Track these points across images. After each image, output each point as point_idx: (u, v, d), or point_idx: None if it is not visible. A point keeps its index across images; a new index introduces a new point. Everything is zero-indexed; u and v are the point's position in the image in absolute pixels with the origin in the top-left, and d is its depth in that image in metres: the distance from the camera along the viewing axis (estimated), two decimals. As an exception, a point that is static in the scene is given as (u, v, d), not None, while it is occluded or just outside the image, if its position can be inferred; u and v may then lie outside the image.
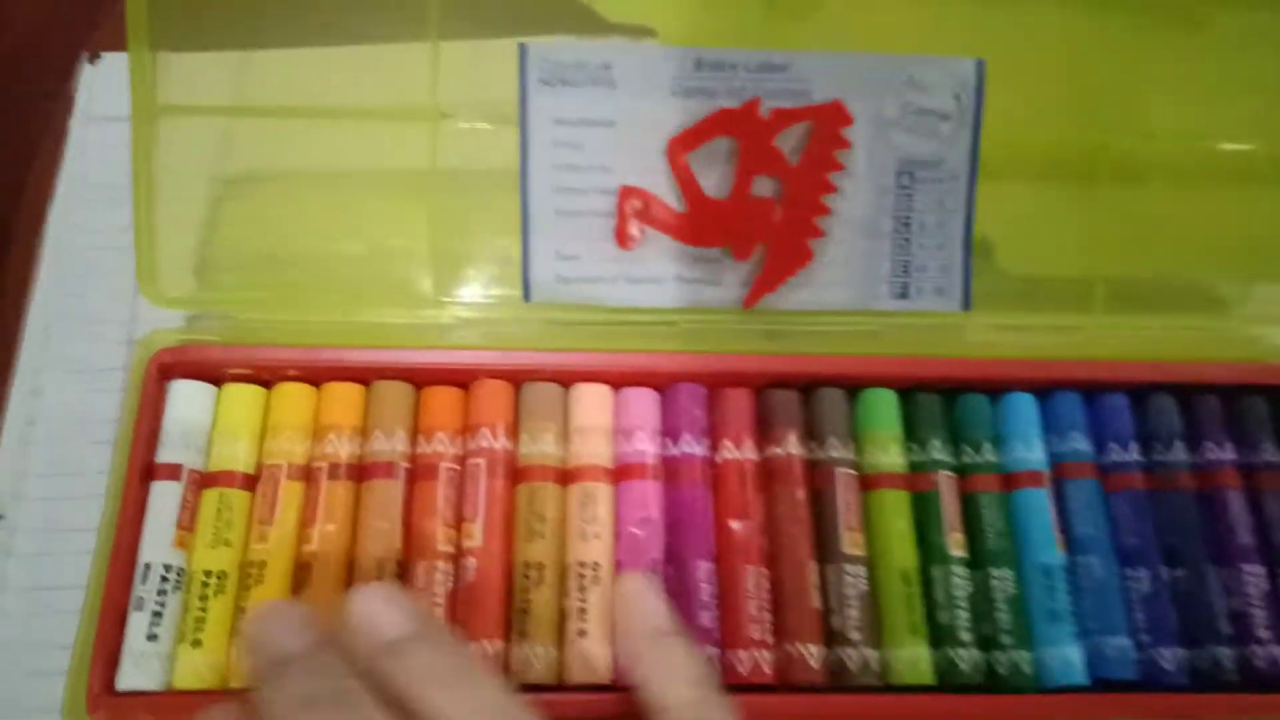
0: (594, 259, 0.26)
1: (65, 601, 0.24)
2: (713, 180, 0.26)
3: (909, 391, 0.26)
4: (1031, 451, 0.26)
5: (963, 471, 0.26)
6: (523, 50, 0.25)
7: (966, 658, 0.24)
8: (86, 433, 0.27)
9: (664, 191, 0.26)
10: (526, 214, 0.26)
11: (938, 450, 0.26)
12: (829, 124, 0.26)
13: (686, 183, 0.26)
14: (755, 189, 0.26)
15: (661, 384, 0.26)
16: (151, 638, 0.22)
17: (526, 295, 0.26)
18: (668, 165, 0.26)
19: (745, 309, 0.27)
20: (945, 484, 0.25)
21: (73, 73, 0.31)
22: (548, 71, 0.25)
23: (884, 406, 0.26)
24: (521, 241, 0.26)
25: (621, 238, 0.26)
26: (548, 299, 0.26)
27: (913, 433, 0.26)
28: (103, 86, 0.31)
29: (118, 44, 0.31)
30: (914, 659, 0.23)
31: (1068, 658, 0.24)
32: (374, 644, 0.17)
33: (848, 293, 0.27)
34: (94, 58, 0.31)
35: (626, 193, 0.26)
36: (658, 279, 0.27)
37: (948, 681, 0.23)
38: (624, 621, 0.21)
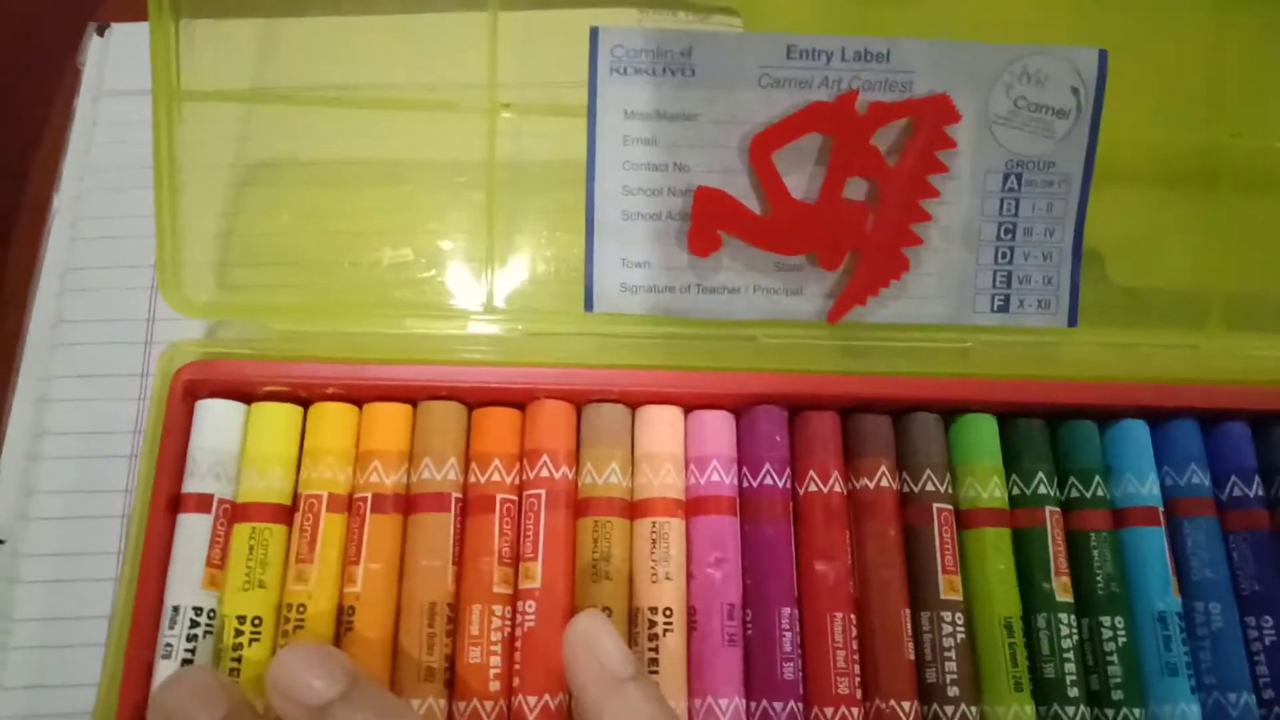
0: (664, 267, 0.24)
1: (83, 634, 0.23)
2: (800, 181, 0.24)
3: (1009, 416, 0.24)
4: (1145, 485, 0.23)
5: (1069, 507, 0.23)
6: (594, 34, 0.22)
7: (1074, 715, 0.22)
8: (101, 446, 0.25)
9: (745, 193, 0.24)
10: (592, 216, 0.23)
11: (1042, 483, 0.23)
12: (932, 120, 0.24)
13: (771, 184, 0.23)
14: (848, 191, 0.24)
15: (738, 406, 0.23)
16: (180, 688, 0.20)
17: (589, 305, 0.24)
18: (749, 164, 0.23)
19: (830, 323, 0.24)
20: (1051, 521, 0.23)
21: (79, 46, 0.28)
22: (621, 58, 0.23)
23: (983, 433, 0.23)
24: (586, 246, 0.23)
25: (696, 244, 0.24)
26: (613, 310, 0.24)
27: (1014, 463, 0.23)
28: (113, 60, 0.28)
29: (128, 14, 0.29)
30: (1017, 717, 0.21)
31: (1185, 715, 0.22)
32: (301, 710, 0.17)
33: (943, 306, 0.24)
34: (103, 29, 0.28)
35: (703, 194, 0.23)
36: (735, 289, 0.24)
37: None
38: (578, 668, 0.18)
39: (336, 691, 0.17)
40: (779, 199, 0.24)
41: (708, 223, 0.23)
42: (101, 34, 0.28)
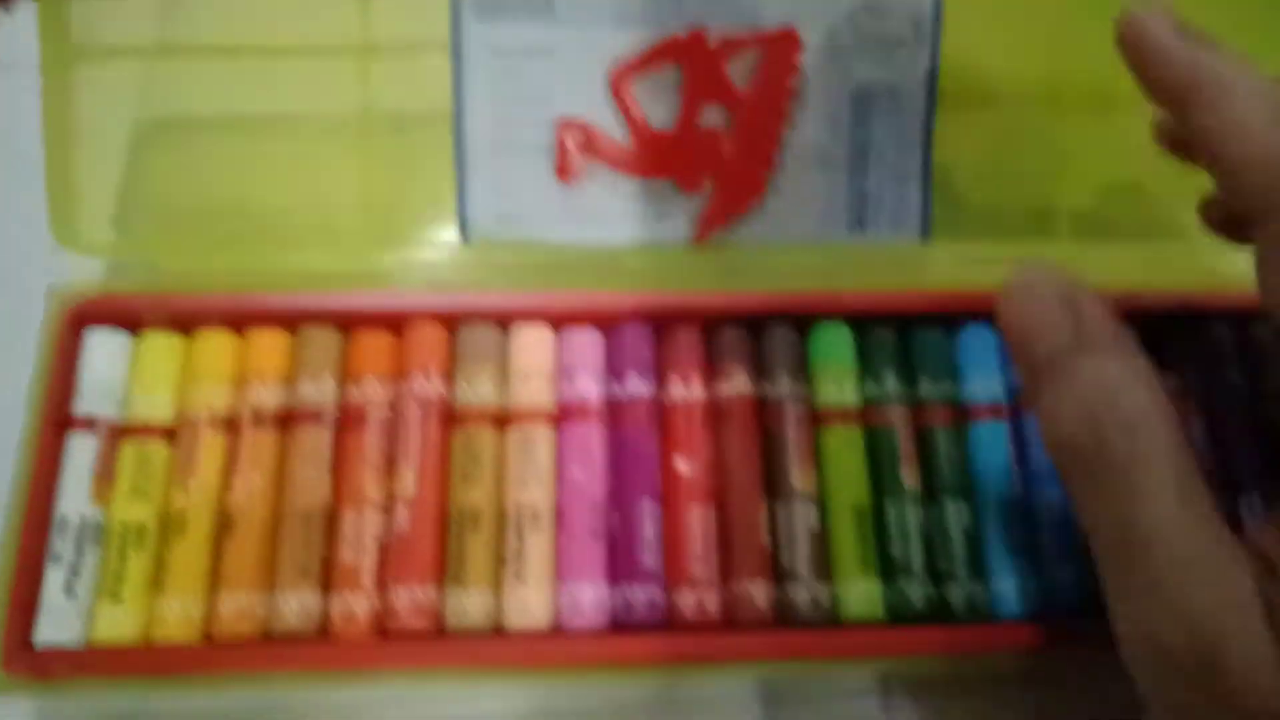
0: (535, 195, 0.25)
1: None
2: (659, 112, 0.25)
3: (864, 325, 0.25)
4: (990, 384, 0.25)
5: (919, 406, 0.25)
6: (451, -26, 0.24)
7: (919, 592, 0.23)
8: (3, 396, 0.26)
9: (609, 125, 0.25)
10: (462, 150, 0.25)
11: (893, 385, 0.25)
12: (780, 52, 0.25)
13: (631, 114, 0.25)
14: (704, 120, 0.25)
15: (607, 323, 0.25)
16: (69, 592, 0.21)
17: (464, 235, 0.25)
18: (611, 97, 0.25)
19: (694, 243, 0.26)
20: (900, 419, 0.24)
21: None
22: (484, 1, 0.24)
23: (837, 341, 0.25)
24: (457, 179, 0.25)
25: (562, 171, 0.25)
26: (487, 238, 0.25)
27: (867, 367, 0.25)
28: (17, 32, 0.29)
29: None
30: (865, 594, 0.23)
31: (1022, 588, 0.23)
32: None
33: (801, 226, 0.26)
34: (7, 3, 0.30)
35: (566, 125, 0.25)
36: (602, 215, 0.25)
37: (899, 615, 0.22)
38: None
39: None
40: (639, 128, 0.25)
41: (572, 151, 0.25)
42: (5, 7, 0.30)
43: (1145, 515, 0.17)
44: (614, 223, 0.26)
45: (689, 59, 0.25)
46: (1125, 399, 0.17)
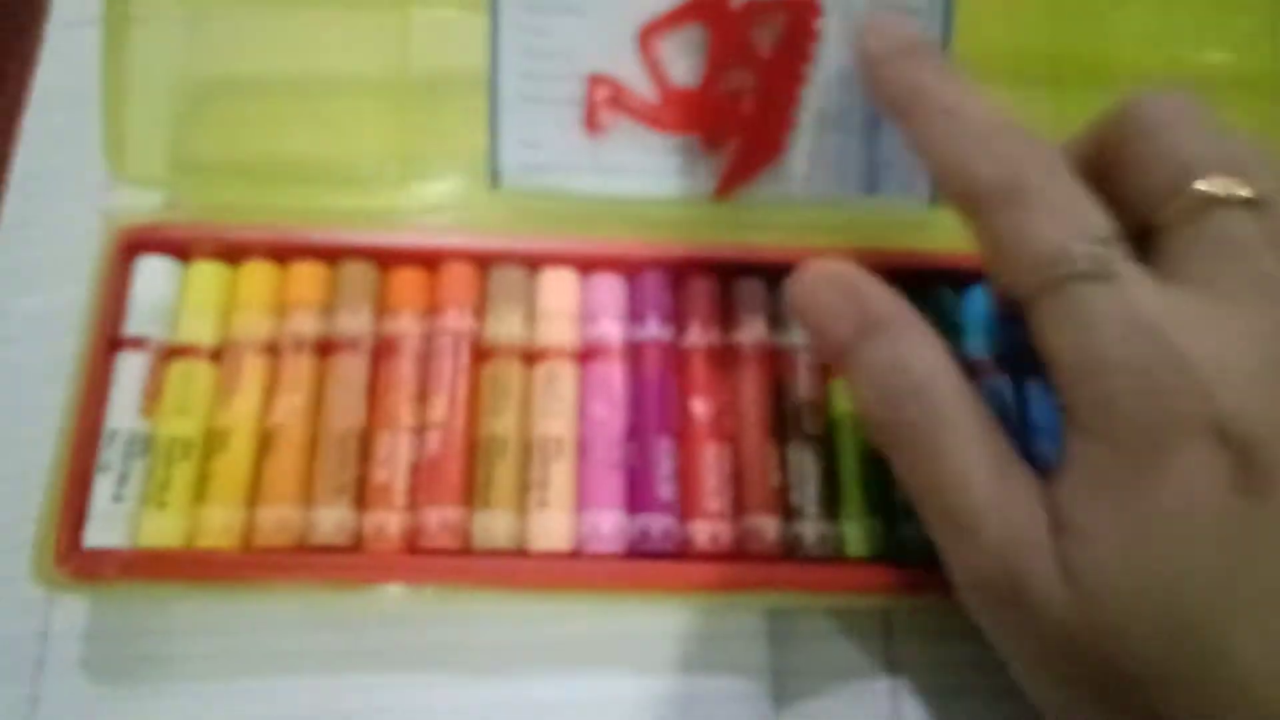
0: (563, 147, 0.26)
1: (39, 481, 0.25)
2: (685, 70, 0.26)
3: (874, 282, 0.27)
4: (992, 342, 0.26)
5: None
6: (492, -69, 0.25)
7: (919, 534, 0.24)
8: (62, 325, 0.26)
9: (635, 80, 0.26)
10: (495, 101, 0.26)
11: (900, 339, 0.26)
12: (801, 17, 0.26)
13: (657, 71, 0.26)
14: (728, 81, 0.26)
15: (629, 271, 0.26)
16: (117, 499, 0.23)
17: (494, 182, 0.26)
18: (639, 54, 0.26)
19: (714, 198, 0.27)
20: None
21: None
22: (519, -47, 0.25)
23: (848, 296, 0.26)
24: (489, 129, 0.26)
25: (590, 124, 0.26)
26: (516, 186, 0.26)
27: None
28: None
29: None
30: (869, 533, 0.24)
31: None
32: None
33: (817, 185, 0.27)
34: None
35: (596, 80, 0.26)
36: (627, 168, 0.27)
37: (900, 555, 0.24)
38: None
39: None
40: (665, 85, 0.26)
41: (600, 105, 0.26)
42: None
43: (948, 471, 0.19)
44: (638, 175, 0.27)
45: (715, 20, 0.26)
46: (912, 369, 0.19)
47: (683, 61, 0.26)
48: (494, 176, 0.26)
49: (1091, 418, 0.18)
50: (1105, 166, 0.20)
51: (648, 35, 0.26)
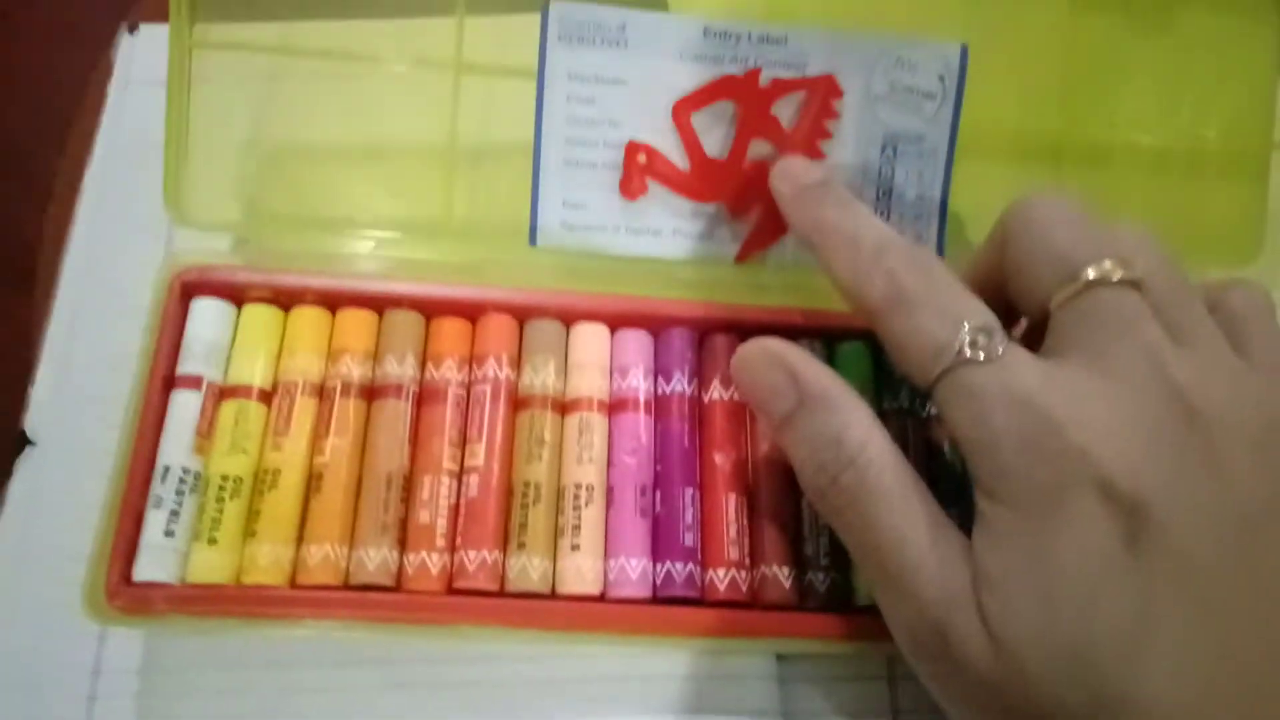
0: (599, 209, 0.28)
1: (95, 516, 0.25)
2: (714, 141, 0.28)
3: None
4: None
5: (929, 419, 0.28)
6: (545, 8, 0.27)
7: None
8: (118, 364, 0.27)
9: (669, 149, 0.28)
10: (538, 163, 0.28)
11: (906, 399, 0.28)
12: (822, 95, 0.28)
13: (690, 142, 0.28)
14: (753, 152, 0.28)
15: (656, 327, 0.28)
16: (168, 534, 0.24)
17: (533, 239, 0.28)
18: (673, 125, 0.28)
19: (737, 262, 0.29)
20: (911, 429, 0.27)
21: (113, 41, 0.32)
22: (567, 29, 0.27)
23: (858, 357, 0.28)
24: (532, 189, 0.28)
25: (626, 189, 0.28)
26: (553, 244, 0.28)
27: (885, 382, 0.28)
28: (140, 55, 0.32)
29: (155, 15, 0.33)
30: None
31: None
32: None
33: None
34: (133, 28, 0.33)
35: (633, 147, 0.28)
36: (657, 231, 0.28)
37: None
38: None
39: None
40: (696, 155, 0.28)
41: (636, 172, 0.28)
42: (132, 32, 0.33)
43: (880, 533, 0.21)
44: (667, 238, 0.28)
45: (743, 96, 0.28)
46: (845, 442, 0.21)
47: (713, 134, 0.28)
48: (533, 234, 0.28)
49: (992, 483, 0.20)
50: (1004, 266, 0.23)
51: (681, 109, 0.28)
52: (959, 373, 0.20)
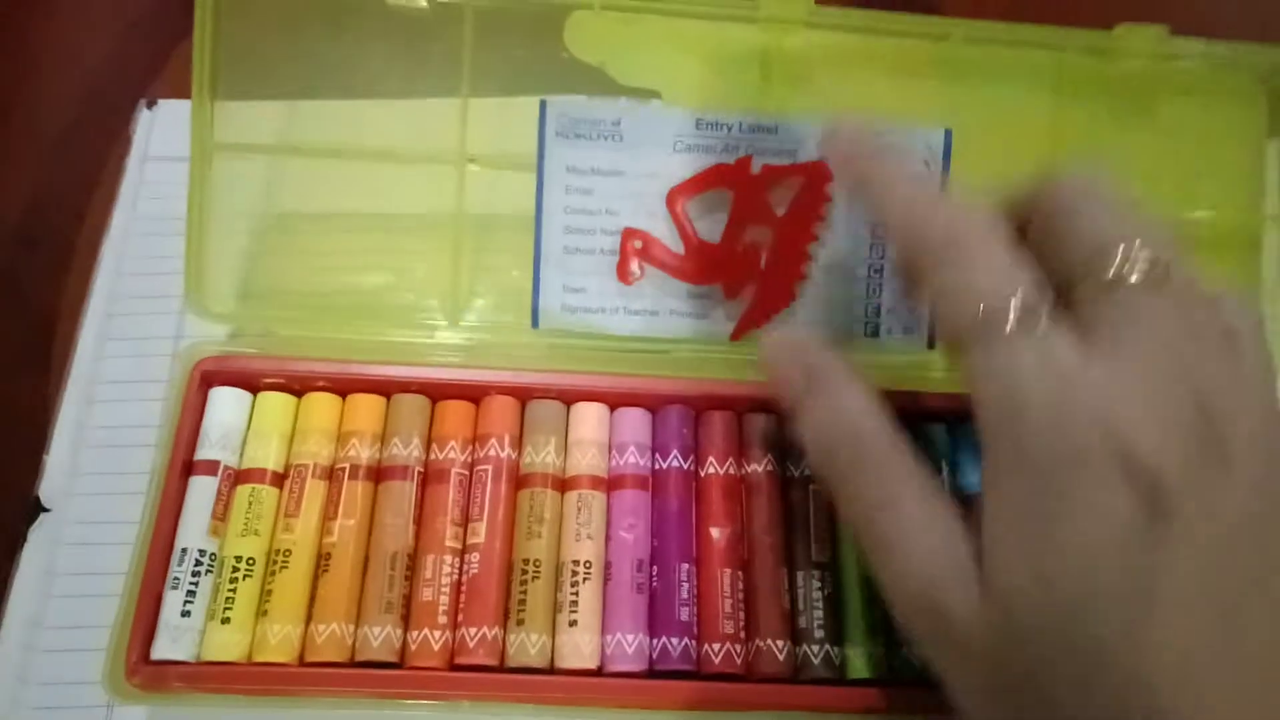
0: (598, 292, 0.29)
1: (107, 586, 0.26)
2: (708, 226, 0.29)
3: (876, 421, 0.29)
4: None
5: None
6: (543, 106, 0.28)
7: (920, 658, 0.26)
8: (131, 437, 0.29)
9: (664, 235, 0.29)
10: (539, 250, 0.29)
11: (900, 473, 0.28)
12: (814, 181, 0.29)
13: (684, 228, 0.29)
14: (747, 236, 0.29)
15: (653, 405, 0.29)
16: (185, 614, 0.25)
17: (535, 322, 0.29)
18: (668, 212, 0.29)
19: (732, 341, 0.30)
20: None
21: (132, 117, 0.34)
22: (564, 125, 0.28)
23: (853, 433, 0.29)
24: (533, 274, 0.29)
25: (623, 274, 0.29)
26: (554, 326, 0.29)
27: (878, 457, 0.29)
28: (157, 130, 0.34)
29: (173, 92, 0.35)
30: (870, 656, 0.26)
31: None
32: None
33: (825, 330, 0.30)
34: (151, 104, 0.35)
35: (629, 234, 0.29)
36: (654, 312, 0.30)
37: (900, 677, 0.26)
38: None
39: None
40: (691, 240, 0.29)
41: (632, 256, 0.29)
42: (150, 108, 0.34)
43: (880, 504, 0.21)
44: (664, 319, 0.30)
45: (736, 183, 0.29)
46: (845, 417, 0.22)
47: (706, 219, 0.29)
48: (535, 317, 0.29)
49: (1009, 454, 0.20)
50: (1031, 235, 0.22)
51: (674, 197, 0.29)
52: (1001, 339, 0.20)
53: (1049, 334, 0.20)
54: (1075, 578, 0.19)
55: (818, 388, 0.23)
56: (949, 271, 0.21)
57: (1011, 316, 0.20)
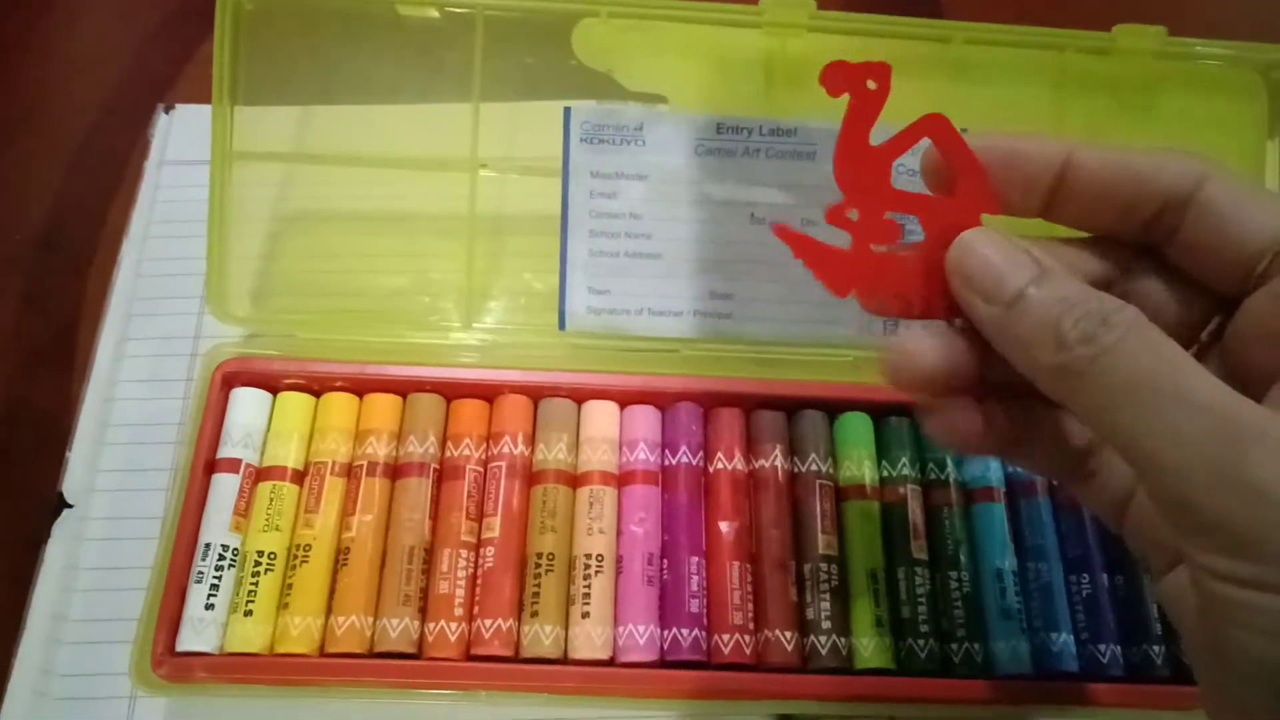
0: (623, 294, 0.30)
1: (130, 580, 0.28)
2: (712, 226, 0.30)
3: (882, 416, 0.30)
4: (989, 471, 0.29)
5: (928, 486, 0.29)
6: (567, 112, 0.29)
7: (924, 647, 0.27)
8: (152, 435, 0.30)
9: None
10: (565, 253, 0.29)
11: (906, 467, 0.29)
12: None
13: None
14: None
15: (663, 403, 0.29)
16: (209, 607, 0.25)
17: (562, 324, 0.29)
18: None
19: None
20: (912, 496, 0.28)
21: (151, 121, 0.35)
22: (588, 131, 0.29)
23: (859, 428, 0.29)
24: (560, 277, 0.29)
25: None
26: (581, 328, 0.29)
27: (884, 451, 0.29)
28: (176, 134, 0.35)
29: (190, 97, 0.36)
30: (877, 646, 0.26)
31: (1016, 650, 0.27)
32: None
33: (836, 327, 0.30)
34: (169, 108, 0.35)
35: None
36: (679, 312, 0.30)
37: (906, 668, 0.26)
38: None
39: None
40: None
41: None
42: (167, 112, 0.35)
43: (1159, 378, 0.17)
44: (687, 319, 0.30)
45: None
46: (1102, 299, 0.18)
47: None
48: (562, 319, 0.29)
49: None
50: (1173, 246, 0.20)
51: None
52: None
53: None
54: None
55: (1050, 275, 0.19)
56: None
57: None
